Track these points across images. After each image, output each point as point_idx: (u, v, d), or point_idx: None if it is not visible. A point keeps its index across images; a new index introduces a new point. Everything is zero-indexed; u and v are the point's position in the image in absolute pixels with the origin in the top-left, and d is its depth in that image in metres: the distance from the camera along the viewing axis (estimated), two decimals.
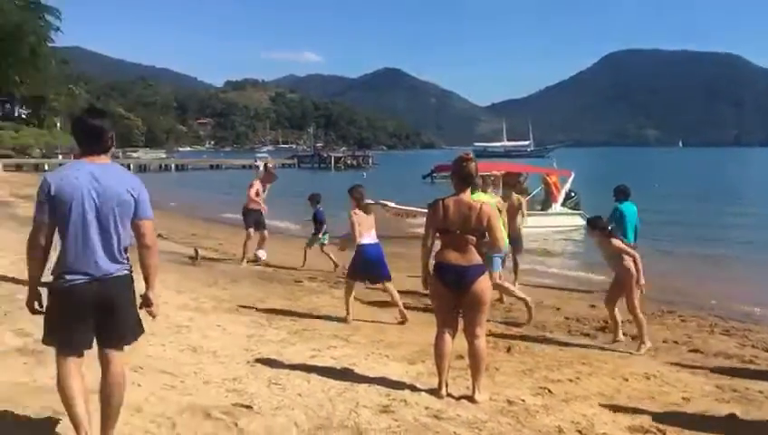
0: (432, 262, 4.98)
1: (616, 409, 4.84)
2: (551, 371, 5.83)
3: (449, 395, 4.90)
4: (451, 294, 4.81)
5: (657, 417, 4.71)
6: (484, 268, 4.88)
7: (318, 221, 11.98)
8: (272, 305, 8.15)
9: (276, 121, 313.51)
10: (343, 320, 7.45)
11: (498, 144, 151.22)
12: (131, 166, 68.21)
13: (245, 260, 11.81)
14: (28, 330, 6.00)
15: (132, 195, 3.49)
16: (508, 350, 6.56)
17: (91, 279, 3.38)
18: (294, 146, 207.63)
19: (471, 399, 4.85)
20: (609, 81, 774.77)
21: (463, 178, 4.90)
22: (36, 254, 3.44)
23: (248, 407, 4.42)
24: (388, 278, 7.81)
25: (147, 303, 3.63)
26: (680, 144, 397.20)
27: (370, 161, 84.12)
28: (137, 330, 3.63)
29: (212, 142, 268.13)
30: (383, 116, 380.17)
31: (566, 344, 7.02)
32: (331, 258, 11.66)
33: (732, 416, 4.81)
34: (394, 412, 4.48)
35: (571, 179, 21.22)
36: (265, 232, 12.22)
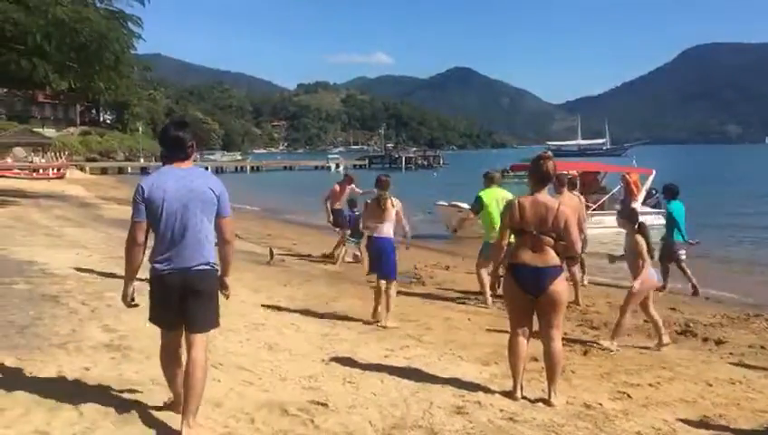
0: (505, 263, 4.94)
1: (699, 415, 4.66)
2: (630, 375, 5.67)
3: (524, 398, 4.83)
4: (526, 296, 4.75)
5: (743, 424, 4.51)
6: (561, 269, 4.80)
7: (349, 224, 12.27)
8: (345, 305, 8.24)
9: (347, 123, 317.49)
10: (415, 320, 7.46)
11: (572, 142, 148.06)
12: (209, 168, 70.34)
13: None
14: (113, 326, 6.29)
15: (214, 193, 3.86)
16: (585, 353, 6.42)
17: (178, 270, 3.78)
18: (365, 147, 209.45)
19: (547, 402, 4.78)
20: (689, 76, 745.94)
21: (540, 177, 4.84)
22: (134, 251, 3.84)
23: (324, 404, 4.48)
24: (387, 277, 7.40)
25: (223, 286, 4.01)
26: (766, 141, 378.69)
27: (441, 161, 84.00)
28: (215, 320, 3.96)
29: (285, 144, 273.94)
30: (454, 116, 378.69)
31: (646, 348, 6.80)
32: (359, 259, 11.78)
33: None
34: (468, 414, 4.45)
35: (651, 178, 20.58)
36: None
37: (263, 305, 7.72)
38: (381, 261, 7.41)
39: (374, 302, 7.48)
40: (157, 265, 3.81)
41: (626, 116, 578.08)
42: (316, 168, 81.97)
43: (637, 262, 6.75)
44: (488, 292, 8.60)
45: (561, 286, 4.73)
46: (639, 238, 6.79)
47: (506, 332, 7.04)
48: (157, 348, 4.03)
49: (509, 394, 4.86)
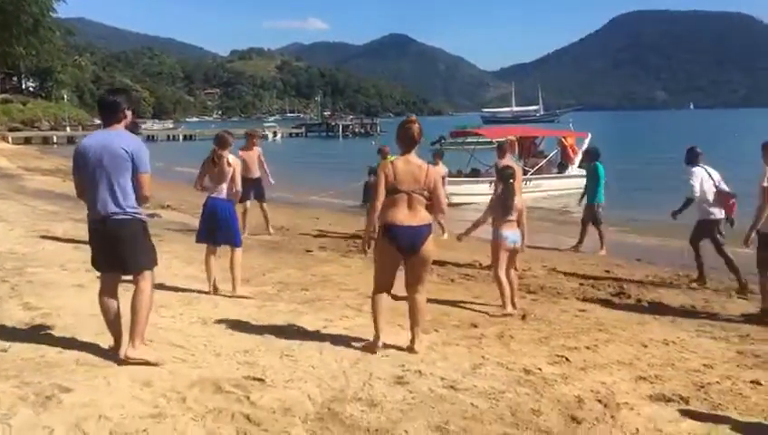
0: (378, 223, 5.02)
1: (636, 377, 4.72)
2: (567, 338, 5.71)
3: (386, 345, 5.05)
4: (399, 255, 4.93)
5: (679, 384, 4.59)
6: (431, 228, 4.97)
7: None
8: (282, 276, 8.05)
9: (283, 90, 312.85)
10: (354, 289, 7.34)
11: (507, 110, 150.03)
12: (140, 135, 68.03)
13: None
14: (35, 304, 5.96)
15: (127, 151, 4.33)
16: (523, 317, 6.45)
17: (99, 218, 4.38)
18: (302, 115, 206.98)
19: (410, 349, 5.04)
20: (617, 43, 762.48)
21: (408, 140, 4.98)
22: (81, 197, 4.58)
23: (260, 380, 4.33)
24: (233, 244, 6.84)
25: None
26: (691, 106, 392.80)
27: (378, 129, 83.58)
28: (146, 260, 4.53)
29: (219, 112, 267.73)
30: (390, 83, 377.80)
31: (582, 311, 6.88)
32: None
33: (756, 382, 4.68)
34: (408, 383, 4.38)
35: (587, 141, 20.96)
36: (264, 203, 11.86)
37: (196, 278, 7.44)
38: (221, 226, 6.72)
39: (208, 271, 6.87)
40: (87, 214, 4.49)
41: (557, 83, 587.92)
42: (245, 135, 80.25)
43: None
44: None
45: (431, 245, 4.97)
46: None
47: (447, 301, 7.12)
48: (81, 326, 3.84)
49: (370, 346, 5.04)
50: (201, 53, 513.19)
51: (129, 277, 4.58)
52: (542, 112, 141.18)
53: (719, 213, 8.29)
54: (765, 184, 6.61)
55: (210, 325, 5.62)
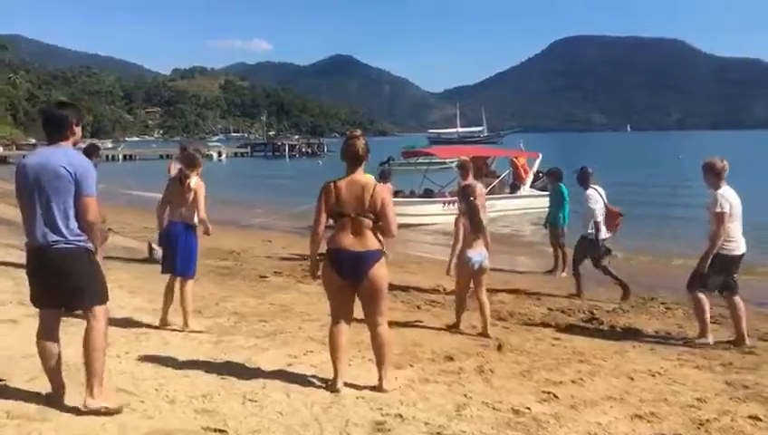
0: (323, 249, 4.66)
1: (631, 415, 4.37)
2: (550, 371, 5.36)
3: (348, 385, 4.60)
4: (346, 283, 4.52)
5: (677, 423, 4.27)
6: (381, 253, 4.54)
7: None
8: (238, 305, 7.49)
9: (227, 110, 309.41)
10: (317, 320, 6.85)
11: (452, 130, 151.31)
12: None
13: None
14: None
15: (68, 170, 3.80)
16: (499, 348, 6.07)
17: (36, 247, 3.87)
18: (246, 134, 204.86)
19: (379, 388, 4.59)
20: (556, 67, 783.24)
21: (352, 157, 4.57)
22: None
23: (222, 431, 3.82)
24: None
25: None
26: (628, 128, 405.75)
27: (325, 149, 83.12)
28: (93, 296, 3.96)
29: (161, 132, 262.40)
30: (336, 104, 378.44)
31: (557, 339, 6.57)
32: None
33: (755, 417, 4.40)
34: (390, 431, 3.93)
35: (538, 161, 21.02)
36: None
37: (143, 310, 6.83)
38: (180, 253, 6.18)
39: (165, 302, 6.34)
40: (25, 243, 4.00)
41: (498, 105, 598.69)
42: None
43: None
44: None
45: (381, 271, 4.52)
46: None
47: (419, 326, 6.72)
48: (12, 370, 3.28)
49: (330, 386, 4.58)
50: (142, 71, 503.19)
51: (75, 314, 4.09)
52: (486, 133, 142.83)
53: (605, 232, 8.86)
54: (718, 210, 6.31)
55: (161, 366, 5.04)
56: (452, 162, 22.94)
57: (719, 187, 6.42)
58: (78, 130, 4.02)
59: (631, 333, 7.02)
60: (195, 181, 6.28)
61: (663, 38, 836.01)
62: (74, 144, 4.05)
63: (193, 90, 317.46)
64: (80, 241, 3.90)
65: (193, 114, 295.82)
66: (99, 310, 3.98)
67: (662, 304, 8.70)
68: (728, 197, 6.34)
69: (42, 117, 4.10)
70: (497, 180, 20.72)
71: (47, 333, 4.01)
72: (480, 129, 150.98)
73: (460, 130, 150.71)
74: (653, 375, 5.38)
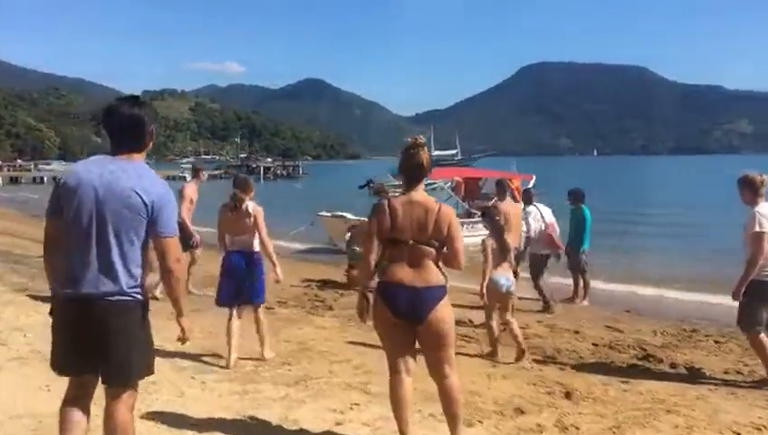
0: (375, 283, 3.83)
1: None
2: (643, 427, 4.53)
3: None
4: (404, 324, 3.70)
5: None
6: (444, 290, 3.73)
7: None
8: (250, 344, 6.53)
9: (197, 132, 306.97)
10: (346, 360, 5.96)
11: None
12: (45, 179, 64.13)
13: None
14: None
15: (143, 199, 2.83)
16: (568, 395, 5.23)
17: (79, 297, 2.82)
18: (217, 157, 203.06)
19: None
20: (525, 92, 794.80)
21: (413, 170, 3.80)
22: (47, 256, 3.01)
23: None
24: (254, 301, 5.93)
25: (181, 329, 3.12)
26: (595, 153, 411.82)
27: (301, 171, 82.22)
28: (142, 367, 2.97)
29: None
30: (307, 127, 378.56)
31: (625, 382, 5.75)
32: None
33: None
34: None
35: (532, 183, 20.42)
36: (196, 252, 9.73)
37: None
38: (245, 281, 5.79)
39: (229, 339, 5.76)
40: (56, 286, 2.92)
41: (468, 129, 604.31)
42: (168, 177, 77.14)
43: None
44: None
45: (445, 312, 3.71)
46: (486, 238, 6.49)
47: (464, 367, 5.86)
48: None
49: None
50: (112, 93, 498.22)
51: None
52: (459, 157, 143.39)
53: (545, 248, 9.50)
54: (758, 229, 5.57)
55: (178, 427, 4.12)
56: (444, 183, 22.30)
57: (756, 203, 5.71)
58: (150, 139, 3.04)
59: (697, 373, 6.23)
60: (252, 206, 5.79)
61: (625, 64, 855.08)
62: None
63: (163, 111, 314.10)
64: (137, 293, 2.90)
65: (163, 136, 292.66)
66: (135, 388, 3.00)
67: (707, 336, 7.97)
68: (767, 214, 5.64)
69: (109, 116, 2.97)
70: (490, 202, 20.04)
71: (77, 401, 3.00)
72: (454, 152, 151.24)
73: (435, 153, 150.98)
74: (759, 429, 4.59)
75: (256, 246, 5.82)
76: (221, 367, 5.59)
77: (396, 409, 3.80)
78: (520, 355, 6.34)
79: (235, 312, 5.81)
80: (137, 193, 2.82)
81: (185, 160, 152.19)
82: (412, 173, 3.80)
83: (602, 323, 8.57)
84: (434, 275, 3.70)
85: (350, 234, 12.26)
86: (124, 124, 2.93)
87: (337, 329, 7.51)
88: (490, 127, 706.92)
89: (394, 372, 3.82)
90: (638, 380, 5.87)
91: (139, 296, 2.90)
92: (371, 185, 36.18)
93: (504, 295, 6.38)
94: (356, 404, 4.69)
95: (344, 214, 16.79)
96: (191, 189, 9.32)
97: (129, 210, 2.83)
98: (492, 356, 6.49)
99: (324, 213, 17.75)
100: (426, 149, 3.86)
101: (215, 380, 5.20)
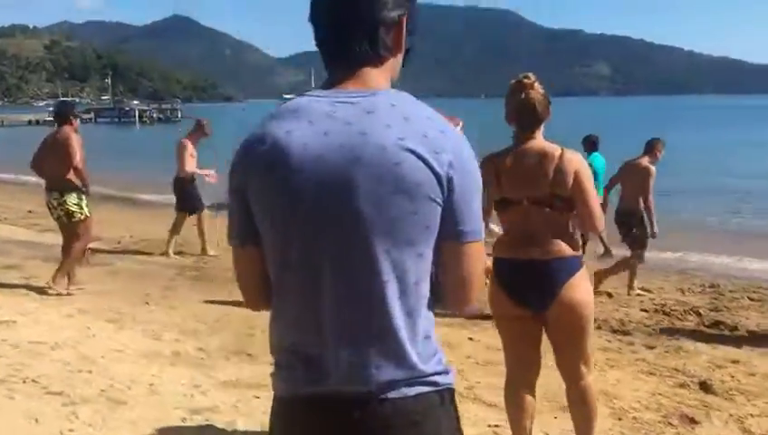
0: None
1: None
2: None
3: None
4: (525, 311, 2.79)
5: None
6: (578, 261, 2.81)
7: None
8: (239, 321, 5.20)
9: (54, 73, 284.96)
10: None
11: None
12: None
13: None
14: None
15: (432, 167, 1.18)
16: (704, 387, 4.35)
17: (330, 394, 1.21)
18: (77, 99, 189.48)
19: None
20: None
21: (525, 113, 2.80)
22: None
23: None
24: None
25: None
26: (483, 96, 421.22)
27: (180, 114, 77.50)
28: None
29: None
30: (177, 68, 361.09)
31: (735, 363, 4.95)
32: None
33: None
34: None
35: (460, 127, 19.60)
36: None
37: (160, 355, 4.45)
38: None
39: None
40: (280, 380, 1.29)
41: None
42: (30, 122, 70.25)
43: None
44: None
45: (580, 291, 2.75)
46: None
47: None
48: None
49: None
50: None
51: None
52: None
53: None
54: None
55: None
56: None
57: None
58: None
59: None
60: None
61: (497, 9, 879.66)
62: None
63: (13, 50, 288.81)
64: (447, 377, 1.28)
65: (14, 77, 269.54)
66: None
67: (743, 294, 7.41)
68: None
69: (319, 13, 1.34)
70: None
71: None
72: None
73: None
74: None
75: None
76: None
77: (515, 418, 2.92)
78: None
79: None
80: (417, 154, 1.21)
81: (42, 104, 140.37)
82: (526, 118, 2.80)
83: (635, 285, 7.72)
84: (560, 243, 2.75)
85: None
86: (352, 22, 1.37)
87: None
88: None
89: (512, 377, 2.93)
90: (748, 359, 5.09)
91: (449, 384, 1.32)
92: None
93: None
94: None
95: None
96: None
97: (409, 193, 1.25)
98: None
99: None
100: (537, 87, 2.80)
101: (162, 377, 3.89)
